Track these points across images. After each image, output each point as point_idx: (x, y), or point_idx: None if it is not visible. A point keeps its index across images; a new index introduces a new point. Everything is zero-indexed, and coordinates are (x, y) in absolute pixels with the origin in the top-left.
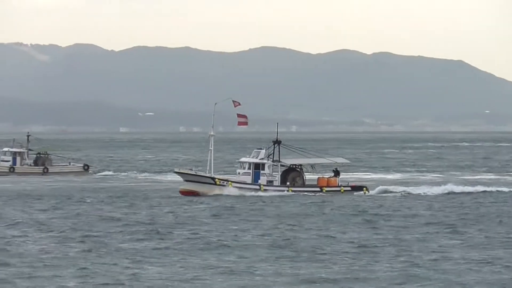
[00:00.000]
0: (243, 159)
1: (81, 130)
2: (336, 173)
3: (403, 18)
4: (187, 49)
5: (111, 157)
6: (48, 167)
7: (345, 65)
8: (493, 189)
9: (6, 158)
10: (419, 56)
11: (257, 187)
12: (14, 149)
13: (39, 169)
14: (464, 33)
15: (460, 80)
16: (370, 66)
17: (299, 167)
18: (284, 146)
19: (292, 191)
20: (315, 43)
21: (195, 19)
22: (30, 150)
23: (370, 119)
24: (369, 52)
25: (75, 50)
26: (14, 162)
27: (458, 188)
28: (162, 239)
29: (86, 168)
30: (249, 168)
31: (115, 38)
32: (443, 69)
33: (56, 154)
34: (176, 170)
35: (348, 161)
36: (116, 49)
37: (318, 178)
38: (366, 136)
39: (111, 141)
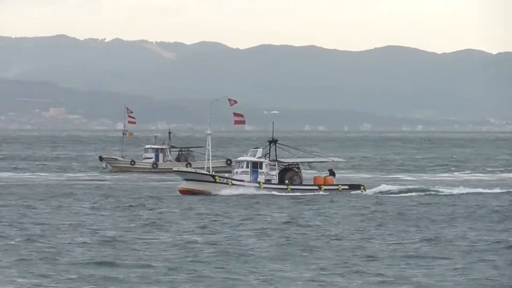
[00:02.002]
0: (240, 158)
1: (207, 128)
2: (331, 173)
3: None
4: (312, 47)
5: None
6: (191, 163)
7: (469, 65)
8: None
9: (148, 155)
10: None
11: (257, 185)
12: (156, 146)
13: (182, 165)
14: None
15: None
16: (495, 65)
17: (297, 166)
18: (280, 146)
19: (291, 189)
20: (440, 42)
21: (321, 17)
22: (172, 146)
23: (495, 118)
24: (494, 52)
25: (200, 48)
26: (157, 159)
27: None
28: None
29: (228, 163)
30: (247, 167)
31: (241, 36)
32: None
33: (198, 151)
34: (175, 168)
35: (344, 160)
36: (242, 47)
37: (315, 177)
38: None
39: (237, 139)
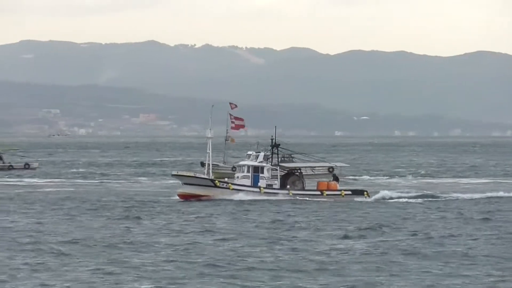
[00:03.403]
0: (242, 162)
1: (296, 133)
2: (335, 178)
3: None
4: (402, 53)
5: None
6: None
7: None
8: None
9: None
10: None
11: (257, 190)
12: (258, 152)
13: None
14: None
15: None
16: None
17: (299, 170)
18: (282, 150)
19: (293, 194)
20: None
21: (411, 23)
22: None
23: None
24: None
25: (290, 53)
26: None
27: None
28: None
29: (331, 170)
30: (248, 171)
31: (331, 42)
32: None
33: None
34: (174, 172)
35: (347, 165)
36: (332, 53)
37: (318, 182)
38: None
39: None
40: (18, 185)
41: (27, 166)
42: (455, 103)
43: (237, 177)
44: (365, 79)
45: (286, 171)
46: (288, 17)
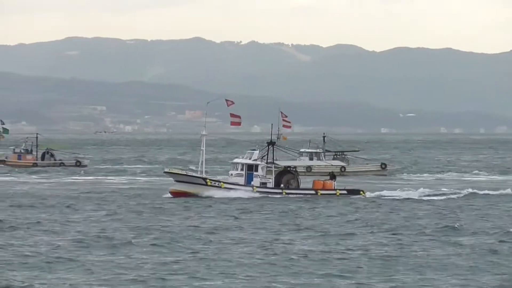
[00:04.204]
0: (236, 160)
1: (343, 131)
2: (332, 176)
3: None
4: (448, 50)
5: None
6: (345, 166)
7: None
8: None
9: (303, 158)
10: None
11: (250, 188)
12: (311, 150)
13: (336, 168)
14: None
15: None
16: None
17: (294, 169)
18: (278, 148)
19: (286, 193)
20: None
21: (457, 20)
22: (327, 150)
23: None
24: None
25: (336, 50)
26: None
27: None
28: None
29: (383, 167)
30: (241, 169)
31: (377, 39)
32: None
33: (354, 155)
34: (167, 170)
35: (345, 164)
36: (377, 50)
37: (314, 181)
38: None
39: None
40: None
41: (78, 163)
42: (501, 100)
43: (231, 174)
44: (411, 76)
45: (281, 170)
46: (334, 13)
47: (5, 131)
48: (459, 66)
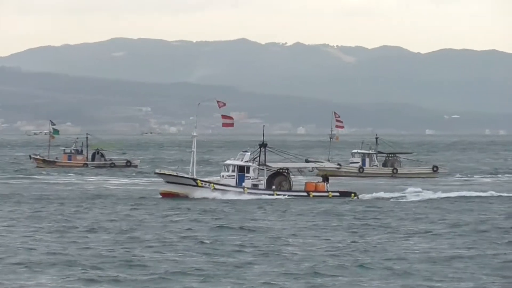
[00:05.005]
0: (227, 162)
1: (387, 132)
2: (325, 178)
3: None
4: (493, 52)
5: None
6: (397, 168)
7: None
8: None
9: (355, 159)
10: None
11: (241, 190)
12: (363, 151)
13: (388, 170)
14: None
15: None
16: None
17: (286, 171)
18: (270, 150)
19: (278, 195)
20: None
21: (502, 21)
22: (379, 152)
23: None
24: None
25: (381, 52)
26: (364, 164)
27: None
28: None
29: (435, 169)
30: (233, 171)
31: (422, 41)
32: None
33: (405, 157)
34: (157, 171)
35: (338, 166)
36: (423, 52)
37: (306, 183)
38: None
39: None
40: None
41: (128, 164)
42: None
43: (222, 176)
44: (455, 78)
45: (273, 171)
46: (379, 15)
47: (55, 132)
48: (503, 67)
